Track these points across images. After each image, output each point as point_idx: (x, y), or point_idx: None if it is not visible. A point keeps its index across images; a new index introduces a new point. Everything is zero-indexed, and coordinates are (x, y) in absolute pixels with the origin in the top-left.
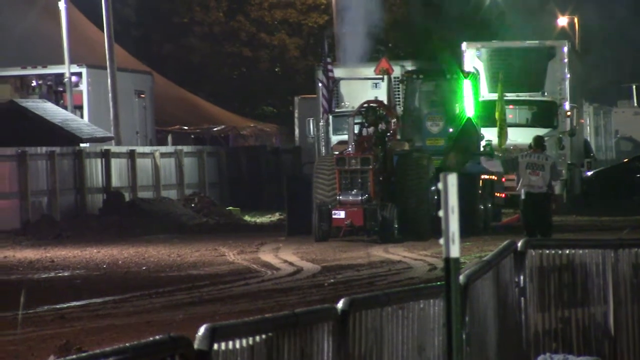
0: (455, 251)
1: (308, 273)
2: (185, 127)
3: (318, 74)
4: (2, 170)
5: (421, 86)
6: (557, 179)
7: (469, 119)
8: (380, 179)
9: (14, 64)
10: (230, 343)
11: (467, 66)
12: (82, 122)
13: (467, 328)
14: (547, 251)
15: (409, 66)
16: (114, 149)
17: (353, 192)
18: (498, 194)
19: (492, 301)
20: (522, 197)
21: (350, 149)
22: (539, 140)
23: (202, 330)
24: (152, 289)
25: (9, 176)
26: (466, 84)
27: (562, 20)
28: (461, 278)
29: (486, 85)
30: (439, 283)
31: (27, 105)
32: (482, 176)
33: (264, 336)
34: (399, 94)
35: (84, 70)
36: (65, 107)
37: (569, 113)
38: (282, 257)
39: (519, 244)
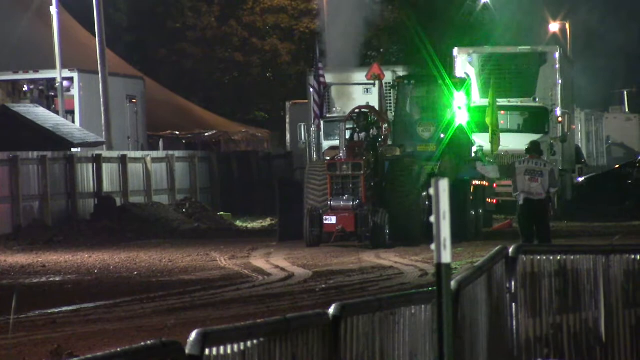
0: (446, 257)
1: (299, 278)
2: (177, 132)
3: (310, 79)
4: None
5: (412, 92)
6: (555, 186)
7: (460, 126)
8: (372, 184)
9: (5, 68)
10: (222, 348)
11: (459, 72)
12: (73, 127)
13: (458, 334)
14: (539, 257)
15: (401, 72)
16: (105, 153)
17: (344, 198)
18: (489, 200)
19: (484, 307)
20: (521, 202)
21: (341, 155)
22: (535, 145)
23: (193, 335)
24: (143, 294)
25: (0, 181)
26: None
27: (554, 26)
28: (452, 284)
29: (478, 91)
30: (430, 289)
31: (18, 110)
32: (474, 182)
33: (255, 341)
34: (390, 100)
35: (75, 75)
36: (56, 112)
37: (560, 119)
38: (274, 263)
39: (511, 250)
